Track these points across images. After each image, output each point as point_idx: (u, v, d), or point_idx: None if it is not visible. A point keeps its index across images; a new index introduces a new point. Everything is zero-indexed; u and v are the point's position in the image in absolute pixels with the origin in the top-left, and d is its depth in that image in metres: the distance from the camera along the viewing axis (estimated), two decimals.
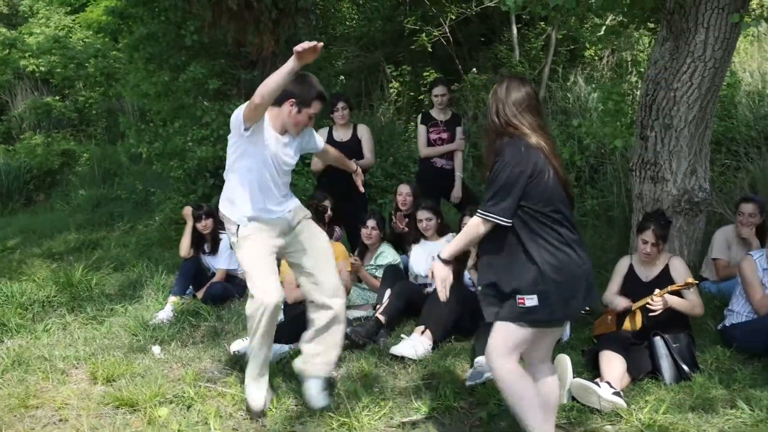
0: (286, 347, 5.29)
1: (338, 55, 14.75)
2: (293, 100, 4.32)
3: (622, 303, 5.19)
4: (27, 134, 16.05)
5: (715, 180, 8.00)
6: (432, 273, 3.77)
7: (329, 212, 6.58)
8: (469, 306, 5.58)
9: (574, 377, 4.57)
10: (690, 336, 5.04)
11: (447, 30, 13.26)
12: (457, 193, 7.47)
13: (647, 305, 4.94)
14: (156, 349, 5.65)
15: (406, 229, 6.75)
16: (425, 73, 13.12)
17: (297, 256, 4.59)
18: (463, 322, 5.58)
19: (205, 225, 6.97)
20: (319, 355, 4.58)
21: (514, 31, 12.87)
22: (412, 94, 13.55)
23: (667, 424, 4.19)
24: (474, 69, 12.84)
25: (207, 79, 9.73)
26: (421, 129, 7.55)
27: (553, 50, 12.56)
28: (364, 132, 7.37)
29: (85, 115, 16.94)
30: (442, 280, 3.73)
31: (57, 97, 17.11)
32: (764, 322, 5.08)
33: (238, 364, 5.26)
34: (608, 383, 4.47)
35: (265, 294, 4.25)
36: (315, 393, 4.49)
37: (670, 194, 6.14)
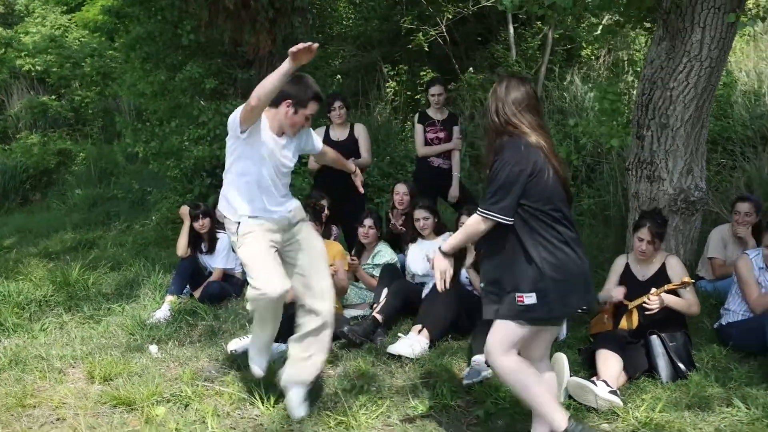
0: (283, 346, 5.28)
1: (335, 54, 14.75)
2: (289, 101, 4.32)
3: (617, 293, 5.19)
4: (23, 134, 16.03)
5: (712, 179, 8.01)
6: (432, 264, 3.82)
7: (326, 211, 6.58)
8: (466, 305, 5.60)
9: (570, 376, 4.57)
10: (686, 335, 5.06)
11: (444, 29, 13.27)
12: (454, 192, 7.49)
13: (644, 304, 4.95)
14: (153, 348, 5.65)
15: (404, 229, 6.75)
16: (422, 73, 13.13)
17: (293, 255, 4.59)
18: (460, 321, 5.59)
19: (203, 224, 6.97)
20: (306, 360, 4.54)
21: (511, 30, 12.88)
22: (408, 93, 13.55)
23: (664, 422, 4.20)
24: (471, 68, 12.84)
25: (203, 78, 9.73)
26: (419, 128, 7.55)
27: (549, 50, 12.57)
28: (361, 131, 7.38)
29: (81, 114, 16.92)
30: (441, 272, 3.77)
31: (53, 97, 17.07)
32: (760, 320, 5.09)
33: (235, 363, 5.27)
34: (605, 382, 4.48)
35: (267, 284, 4.21)
36: (295, 403, 4.43)
37: (666, 193, 6.14)
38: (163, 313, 6.36)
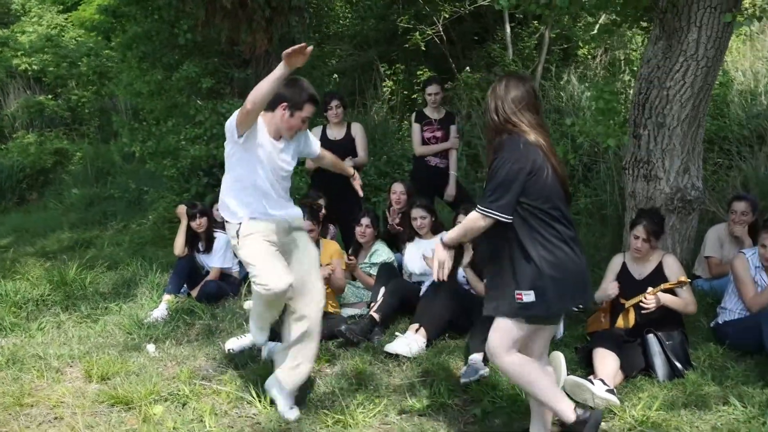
0: (281, 345, 5.30)
1: (332, 53, 14.75)
2: (285, 104, 4.31)
3: (611, 289, 5.21)
4: (20, 133, 16.02)
5: (708, 178, 8.02)
6: (428, 262, 3.84)
7: (323, 211, 6.58)
8: (463, 304, 5.61)
9: (567, 374, 4.59)
10: (683, 333, 5.06)
11: (440, 29, 13.27)
12: (451, 191, 7.49)
13: (640, 303, 4.96)
14: (151, 347, 5.66)
15: (401, 228, 6.75)
16: (419, 72, 13.14)
17: (287, 258, 4.57)
18: (457, 319, 5.59)
19: (200, 223, 6.97)
20: (293, 369, 4.54)
21: (508, 29, 12.88)
22: (405, 92, 13.56)
23: (660, 420, 4.21)
24: (467, 68, 12.84)
25: (200, 77, 9.74)
26: (416, 127, 7.56)
27: (546, 49, 12.58)
28: (357, 130, 7.39)
29: (77, 113, 16.90)
30: (440, 262, 3.80)
31: (50, 96, 17.07)
32: (756, 319, 5.09)
33: (233, 362, 5.28)
34: (602, 380, 4.49)
35: (273, 280, 4.20)
36: (284, 408, 4.46)
37: (663, 192, 6.16)
38: (160, 312, 6.36)
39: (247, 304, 5.59)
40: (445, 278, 3.87)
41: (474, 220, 3.64)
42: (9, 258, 9.17)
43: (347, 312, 6.26)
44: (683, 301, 5.06)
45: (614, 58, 12.73)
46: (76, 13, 15.45)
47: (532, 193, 3.54)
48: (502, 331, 3.67)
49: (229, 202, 4.43)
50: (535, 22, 13.02)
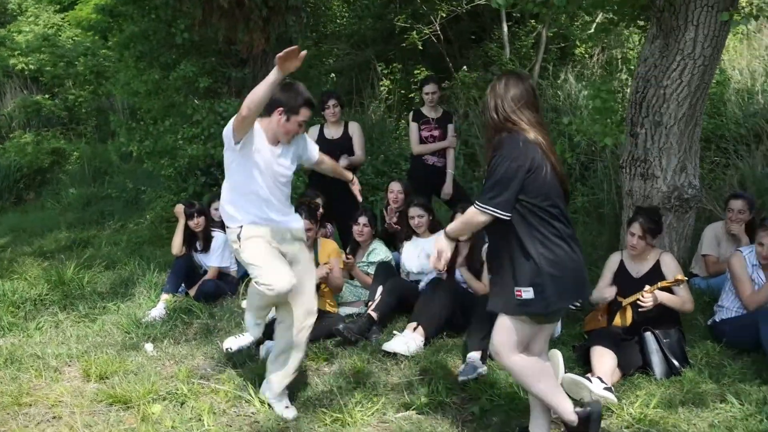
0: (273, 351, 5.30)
1: (329, 53, 14.77)
2: (281, 108, 4.30)
3: (608, 293, 5.22)
4: (17, 133, 15.99)
5: (705, 177, 8.04)
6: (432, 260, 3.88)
7: (321, 210, 6.58)
8: (460, 302, 5.61)
9: (565, 372, 4.60)
10: (680, 331, 5.08)
11: (437, 28, 13.29)
12: (447, 189, 7.50)
13: (638, 301, 4.97)
14: (149, 346, 5.66)
15: (398, 226, 6.76)
16: (416, 71, 13.14)
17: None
18: (455, 318, 5.60)
19: (198, 223, 6.96)
20: (277, 381, 4.56)
21: (505, 28, 12.89)
22: (402, 91, 13.56)
23: (658, 418, 4.23)
24: (464, 67, 12.85)
25: (197, 77, 9.73)
26: (413, 126, 7.56)
27: (543, 48, 12.59)
28: (355, 129, 7.40)
29: (75, 113, 16.88)
30: (440, 251, 3.83)
31: (47, 96, 17.05)
32: (753, 317, 5.11)
33: (231, 361, 5.28)
34: (599, 378, 4.51)
35: (276, 280, 4.21)
36: (280, 410, 4.48)
37: (660, 191, 6.17)
38: (158, 311, 6.36)
39: (245, 303, 5.58)
40: (443, 268, 3.91)
41: (472, 214, 3.66)
42: (6, 258, 9.16)
43: (345, 311, 6.27)
44: (680, 299, 5.07)
45: (611, 56, 12.74)
46: (73, 13, 15.42)
47: (531, 191, 3.55)
48: (506, 332, 3.71)
49: (229, 208, 4.43)
50: (532, 21, 13.03)
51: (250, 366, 5.17)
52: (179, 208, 7.12)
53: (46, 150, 15.02)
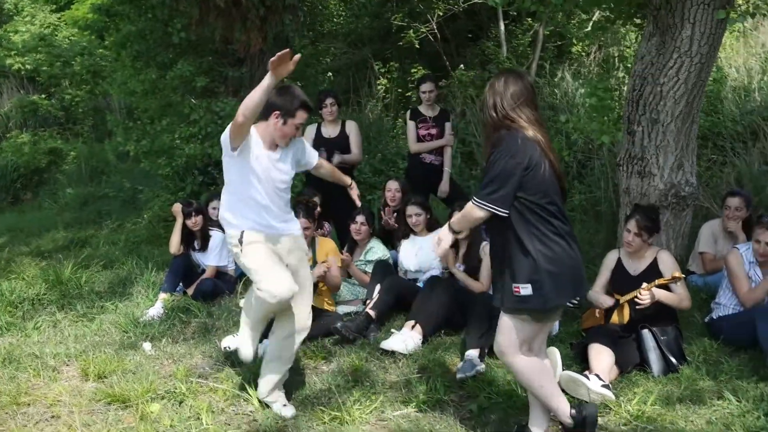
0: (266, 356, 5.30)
1: (326, 51, 14.75)
2: (278, 112, 4.30)
3: (605, 301, 5.23)
4: (13, 133, 15.99)
5: (702, 174, 8.04)
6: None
7: (318, 208, 6.59)
8: (458, 300, 5.62)
9: (563, 370, 4.61)
10: (677, 329, 5.09)
11: (434, 26, 13.27)
12: (444, 187, 7.50)
13: (635, 299, 4.98)
14: (147, 345, 5.66)
15: (395, 225, 6.77)
16: (413, 70, 13.12)
17: None
18: (452, 316, 5.61)
19: (195, 222, 6.96)
20: (265, 384, 4.59)
21: (502, 27, 12.89)
22: (399, 90, 13.55)
23: (656, 415, 4.24)
24: (462, 65, 12.84)
25: (194, 76, 9.72)
26: (411, 125, 7.56)
27: (540, 46, 12.59)
28: (352, 128, 7.40)
29: (71, 113, 16.87)
30: (440, 238, 3.91)
31: (43, 96, 17.03)
32: (750, 314, 5.12)
33: (229, 359, 5.28)
34: (597, 376, 4.52)
35: (278, 287, 4.21)
36: (278, 408, 4.49)
37: (657, 189, 6.18)
38: (156, 310, 6.36)
39: (244, 302, 5.58)
40: (440, 254, 4.02)
41: (470, 209, 3.70)
42: (4, 257, 9.15)
43: (343, 309, 6.27)
44: (678, 296, 5.08)
45: (608, 55, 12.75)
46: (69, 12, 15.41)
47: (529, 188, 3.57)
48: (509, 332, 3.76)
49: (228, 215, 4.43)
50: (529, 19, 13.03)
51: (248, 365, 5.17)
52: (177, 208, 7.12)
53: (43, 150, 15.03)
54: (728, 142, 8.77)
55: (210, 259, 7.01)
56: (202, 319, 6.22)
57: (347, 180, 5.15)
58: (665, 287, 5.04)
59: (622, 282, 5.27)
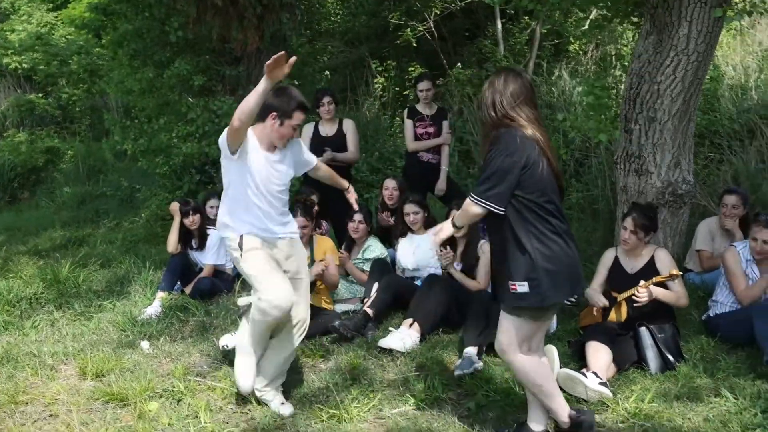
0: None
1: (323, 50, 14.74)
2: (275, 113, 4.32)
3: (601, 301, 5.24)
4: (10, 132, 15.94)
5: (699, 172, 8.06)
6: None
7: (316, 207, 6.58)
8: (456, 299, 5.62)
9: (560, 368, 4.61)
10: (675, 326, 5.10)
11: (431, 25, 13.28)
12: (441, 185, 7.51)
13: (633, 296, 4.99)
14: (145, 344, 5.66)
15: (391, 222, 6.77)
16: (410, 68, 13.14)
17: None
18: (450, 314, 5.61)
19: (193, 220, 6.96)
20: (266, 380, 4.60)
21: (499, 25, 12.90)
22: (397, 89, 13.56)
23: (653, 412, 4.25)
24: (459, 64, 12.86)
25: (192, 75, 9.71)
26: (408, 123, 7.57)
27: (537, 44, 12.61)
28: (349, 126, 7.40)
29: (68, 112, 16.83)
30: (440, 229, 3.98)
31: (40, 95, 16.99)
32: (747, 312, 5.13)
33: (227, 358, 5.27)
34: (594, 373, 4.53)
35: (277, 297, 4.23)
36: (275, 406, 4.51)
37: (654, 187, 6.19)
38: (154, 309, 6.36)
39: (241, 301, 5.56)
40: (438, 242, 4.07)
41: (467, 205, 3.73)
42: (1, 257, 9.12)
43: (341, 308, 6.27)
44: (675, 294, 5.09)
45: (605, 53, 12.76)
46: (66, 11, 15.40)
47: (527, 187, 3.58)
48: (509, 330, 3.78)
49: (227, 219, 4.44)
50: (526, 17, 13.04)
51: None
52: (174, 206, 7.12)
53: (40, 149, 14.99)
54: (725, 140, 8.79)
55: (208, 258, 7.01)
56: (200, 317, 6.21)
57: (345, 183, 5.17)
58: (663, 285, 5.05)
59: (619, 280, 5.28)
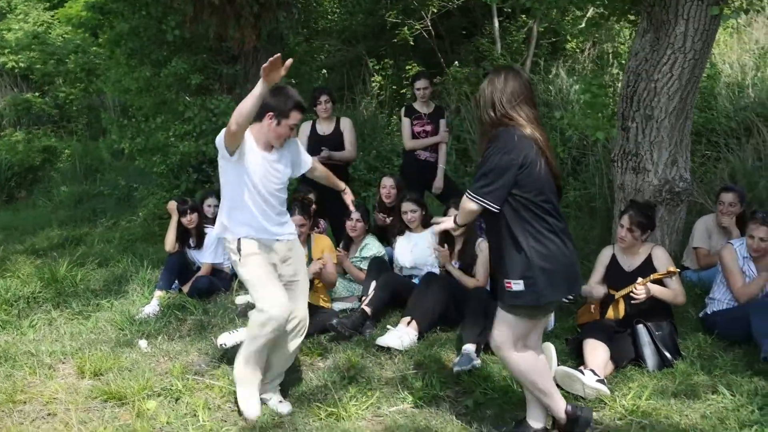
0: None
1: (320, 49, 14.74)
2: (272, 113, 4.33)
3: (600, 291, 5.25)
4: (7, 131, 15.93)
5: (696, 170, 8.07)
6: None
7: (314, 205, 6.58)
8: (454, 296, 5.63)
9: (558, 365, 4.62)
10: (672, 324, 5.11)
11: (429, 23, 13.28)
12: (438, 183, 7.51)
13: (630, 294, 5.00)
14: (143, 343, 5.66)
15: (387, 220, 6.78)
16: (407, 67, 13.14)
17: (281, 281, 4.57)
18: (448, 312, 5.61)
19: (191, 219, 6.96)
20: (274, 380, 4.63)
21: (496, 24, 12.89)
22: (394, 87, 13.56)
23: (651, 410, 4.26)
24: (456, 62, 12.86)
25: (189, 74, 9.71)
26: (406, 122, 7.57)
27: (534, 43, 12.60)
28: (346, 125, 7.41)
29: (65, 111, 16.81)
30: (442, 220, 4.05)
31: (37, 94, 16.97)
32: (744, 309, 5.15)
33: (225, 356, 5.28)
34: (592, 371, 4.53)
35: (275, 306, 4.24)
36: (274, 404, 4.51)
37: (651, 184, 6.20)
38: (152, 308, 6.36)
39: (239, 299, 5.60)
40: (438, 230, 4.17)
41: (464, 201, 3.76)
42: None
43: (338, 306, 6.27)
44: (672, 291, 5.10)
45: (602, 51, 12.76)
46: (63, 10, 15.36)
47: (525, 186, 3.59)
48: (505, 327, 3.79)
49: (225, 220, 4.44)
50: (524, 16, 13.03)
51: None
52: (172, 205, 7.12)
53: (37, 148, 14.98)
54: (722, 138, 8.80)
55: (205, 257, 7.01)
56: (198, 316, 6.21)
57: (341, 185, 5.16)
58: (660, 282, 5.06)
59: (616, 278, 5.28)
